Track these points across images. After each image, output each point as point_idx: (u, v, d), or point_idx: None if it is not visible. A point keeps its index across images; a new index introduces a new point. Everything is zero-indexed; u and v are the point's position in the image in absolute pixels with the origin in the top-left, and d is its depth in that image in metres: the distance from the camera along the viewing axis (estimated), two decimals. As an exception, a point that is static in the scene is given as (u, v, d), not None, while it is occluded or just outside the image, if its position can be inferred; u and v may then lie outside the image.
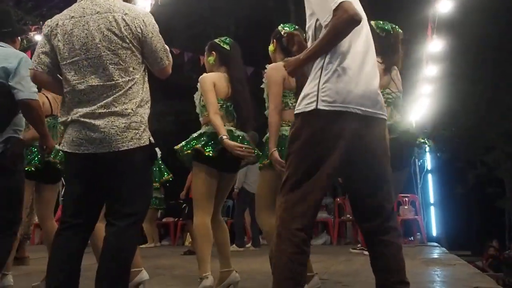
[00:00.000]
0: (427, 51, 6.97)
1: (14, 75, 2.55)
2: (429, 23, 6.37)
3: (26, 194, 2.96)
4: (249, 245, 7.44)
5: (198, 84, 3.09)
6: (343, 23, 1.84)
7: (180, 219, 9.27)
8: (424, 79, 7.98)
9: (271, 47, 3.02)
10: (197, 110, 3.19)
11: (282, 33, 2.90)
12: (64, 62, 2.17)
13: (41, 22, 10.79)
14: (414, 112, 8.85)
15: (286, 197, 1.94)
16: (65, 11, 2.24)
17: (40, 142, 2.86)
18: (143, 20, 2.19)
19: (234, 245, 6.81)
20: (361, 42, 1.99)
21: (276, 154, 2.73)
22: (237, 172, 3.27)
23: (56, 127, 3.45)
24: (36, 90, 2.64)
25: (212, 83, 3.01)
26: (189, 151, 2.97)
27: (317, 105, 1.89)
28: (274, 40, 3.00)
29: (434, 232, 10.47)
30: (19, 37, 2.91)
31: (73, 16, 2.18)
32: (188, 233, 9.16)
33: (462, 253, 8.74)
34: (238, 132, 3.01)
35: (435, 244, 8.45)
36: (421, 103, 8.86)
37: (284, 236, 1.89)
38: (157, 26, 2.27)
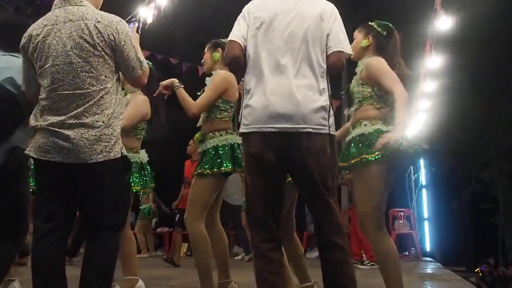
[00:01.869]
0: (425, 67, 7.04)
1: None
2: (427, 40, 6.44)
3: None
4: (240, 256, 7.40)
5: (209, 79, 3.07)
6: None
7: (173, 229, 9.27)
8: (422, 95, 8.05)
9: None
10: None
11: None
12: (40, 71, 2.15)
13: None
14: (412, 127, 8.92)
15: (247, 217, 2.17)
16: (39, 20, 2.22)
17: None
18: (116, 28, 2.16)
19: None
20: (274, 63, 2.07)
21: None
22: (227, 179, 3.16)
23: None
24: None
25: (229, 84, 3.01)
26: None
27: (240, 128, 2.12)
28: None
29: (428, 247, 10.48)
30: None
31: (46, 25, 2.15)
32: (183, 244, 9.15)
33: (456, 268, 8.74)
34: (238, 139, 2.99)
35: (430, 259, 8.47)
36: (419, 119, 8.92)
37: (253, 251, 2.12)
38: (130, 34, 2.24)
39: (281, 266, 2.08)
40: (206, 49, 3.22)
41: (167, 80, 3.03)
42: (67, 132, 2.05)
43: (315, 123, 2.02)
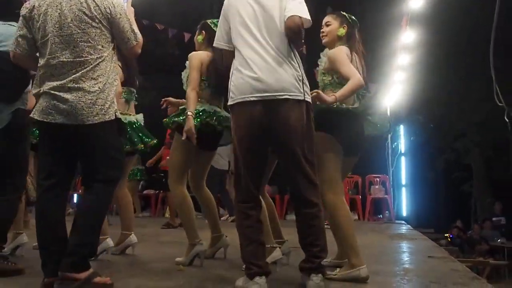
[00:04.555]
0: (400, 41, 7.34)
1: None
2: (404, 16, 6.72)
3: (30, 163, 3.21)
4: (224, 217, 7.69)
5: (187, 61, 3.27)
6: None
7: (161, 191, 9.56)
8: (397, 67, 8.36)
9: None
10: (184, 87, 3.31)
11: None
12: (41, 40, 2.39)
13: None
14: (389, 98, 9.26)
15: (234, 179, 2.50)
16: None
17: None
18: (112, 2, 2.41)
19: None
20: (252, 34, 2.40)
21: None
22: (215, 150, 3.42)
23: None
24: None
25: (200, 61, 3.19)
26: (170, 124, 3.18)
27: (228, 101, 2.44)
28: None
29: (404, 212, 10.91)
30: None
31: None
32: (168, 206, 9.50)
33: (425, 230, 9.27)
34: (223, 113, 3.19)
35: (402, 222, 8.97)
36: (395, 90, 9.26)
37: (235, 208, 2.48)
38: (125, 8, 2.49)
39: (257, 221, 2.42)
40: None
41: (174, 101, 3.49)
42: (66, 95, 2.30)
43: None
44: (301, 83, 2.39)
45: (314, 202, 2.40)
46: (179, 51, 11.85)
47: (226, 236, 3.45)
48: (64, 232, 2.37)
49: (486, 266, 8.68)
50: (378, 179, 9.09)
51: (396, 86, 9.11)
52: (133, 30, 2.50)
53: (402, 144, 11.66)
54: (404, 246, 4.77)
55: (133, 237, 3.59)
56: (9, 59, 2.58)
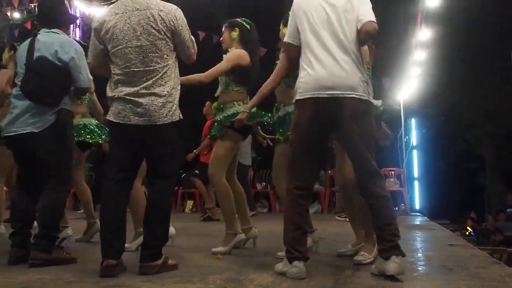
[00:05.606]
0: (416, 38, 7.49)
1: (75, 66, 2.94)
2: (418, 13, 6.87)
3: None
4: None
5: (226, 55, 3.49)
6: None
7: (180, 187, 9.79)
8: (413, 63, 8.51)
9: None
10: (221, 82, 3.52)
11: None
12: (112, 51, 2.66)
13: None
14: (403, 93, 9.38)
15: (289, 170, 2.63)
16: (109, 8, 2.74)
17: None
18: (175, 15, 2.67)
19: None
20: (324, 36, 2.56)
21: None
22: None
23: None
24: (91, 77, 3.07)
25: (238, 61, 3.40)
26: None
27: (296, 96, 2.57)
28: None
29: (417, 205, 10.97)
30: (71, 25, 3.32)
31: (116, 13, 2.66)
32: (189, 201, 9.72)
33: (441, 221, 9.39)
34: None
35: (418, 213, 9.11)
36: (410, 85, 9.39)
37: (287, 195, 2.61)
38: (185, 20, 2.73)
39: (306, 211, 2.63)
40: (223, 28, 3.61)
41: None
42: (140, 100, 2.60)
43: None
44: (365, 84, 2.57)
45: (382, 188, 2.55)
46: (207, 53, 11.96)
47: (255, 228, 3.65)
48: (124, 221, 2.64)
49: (503, 254, 8.81)
50: (392, 172, 9.20)
51: (411, 81, 9.25)
52: (191, 39, 2.77)
53: (414, 137, 11.73)
54: (423, 235, 4.93)
55: (171, 229, 3.75)
56: (51, 67, 2.85)
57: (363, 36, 2.55)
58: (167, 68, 2.66)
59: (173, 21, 2.65)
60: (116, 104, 2.66)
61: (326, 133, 2.64)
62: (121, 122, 2.63)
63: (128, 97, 2.61)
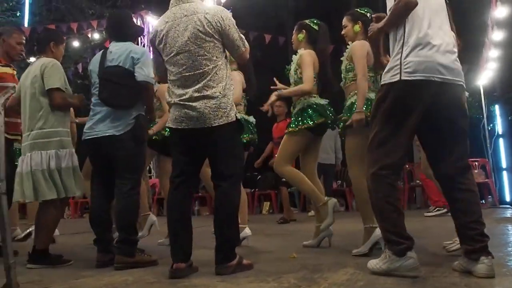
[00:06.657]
0: (492, 17, 6.99)
1: (139, 62, 3.09)
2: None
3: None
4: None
5: (296, 57, 3.65)
6: (399, 8, 2.37)
7: (256, 189, 9.91)
8: (490, 44, 7.96)
9: (356, 28, 3.45)
10: (292, 81, 3.70)
11: (368, 15, 3.39)
12: (167, 58, 2.75)
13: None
14: (482, 78, 8.79)
15: (375, 152, 2.42)
16: (161, 18, 2.83)
17: (149, 116, 3.39)
18: (221, 16, 2.69)
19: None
20: (437, 17, 2.43)
21: (363, 115, 3.15)
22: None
23: None
24: (153, 76, 3.19)
25: (312, 60, 3.58)
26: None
27: (400, 76, 2.34)
28: (360, 22, 3.43)
29: (507, 197, 10.31)
30: (139, 37, 3.52)
31: (167, 22, 2.76)
32: (265, 202, 9.82)
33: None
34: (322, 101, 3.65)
35: (507, 206, 8.51)
36: (489, 67, 8.81)
37: (378, 180, 2.39)
38: (233, 19, 2.75)
39: (397, 192, 2.47)
40: (294, 31, 3.78)
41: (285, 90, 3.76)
42: (194, 104, 2.65)
43: None
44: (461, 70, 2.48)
45: (473, 183, 2.40)
46: (260, 52, 12.21)
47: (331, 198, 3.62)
48: (190, 224, 2.71)
49: None
50: (477, 163, 8.69)
51: (489, 64, 8.67)
52: (241, 38, 2.77)
53: (499, 125, 11.02)
54: (514, 228, 4.60)
55: (247, 230, 3.87)
56: (121, 72, 3.04)
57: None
58: (217, 69, 2.68)
59: (220, 22, 2.67)
60: (173, 110, 2.74)
61: (423, 117, 2.40)
62: (179, 127, 2.70)
63: (182, 102, 2.67)
